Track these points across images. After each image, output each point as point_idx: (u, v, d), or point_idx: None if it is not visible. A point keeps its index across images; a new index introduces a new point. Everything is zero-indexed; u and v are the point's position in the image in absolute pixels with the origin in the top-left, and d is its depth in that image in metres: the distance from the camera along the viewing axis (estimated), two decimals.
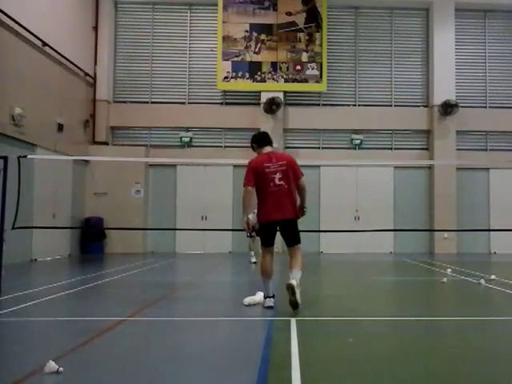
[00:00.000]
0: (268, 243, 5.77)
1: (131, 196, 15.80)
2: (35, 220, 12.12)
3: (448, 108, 16.38)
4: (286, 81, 16.60)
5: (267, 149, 5.90)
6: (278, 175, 5.63)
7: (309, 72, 16.62)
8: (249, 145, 6.23)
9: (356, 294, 7.44)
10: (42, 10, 12.84)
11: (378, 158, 16.67)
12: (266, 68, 16.55)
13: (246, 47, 16.57)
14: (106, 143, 16.42)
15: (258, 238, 12.09)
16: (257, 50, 16.59)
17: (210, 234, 15.83)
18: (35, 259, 12.35)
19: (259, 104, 16.46)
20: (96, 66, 16.36)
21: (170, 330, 4.81)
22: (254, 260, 12.10)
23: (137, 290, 7.82)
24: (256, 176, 5.67)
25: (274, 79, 16.54)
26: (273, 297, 5.73)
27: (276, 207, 5.61)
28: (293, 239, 5.78)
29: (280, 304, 5.95)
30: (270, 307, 5.63)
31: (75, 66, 14.75)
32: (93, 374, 3.37)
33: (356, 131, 17.07)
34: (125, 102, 17.01)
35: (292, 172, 5.71)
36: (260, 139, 6.00)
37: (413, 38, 17.42)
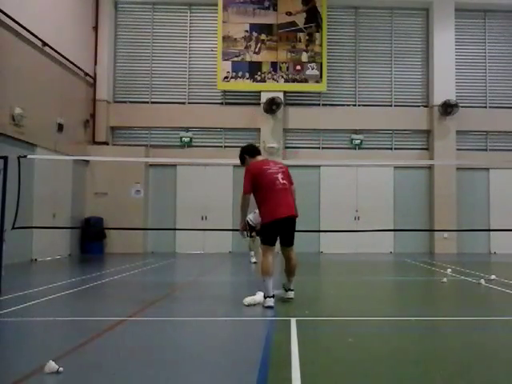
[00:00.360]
0: (272, 242, 5.85)
1: (131, 196, 15.80)
2: (35, 220, 12.12)
3: (448, 108, 16.38)
4: (286, 81, 16.60)
5: (259, 158, 6.14)
6: (280, 175, 5.90)
7: (309, 72, 16.63)
8: None
9: (356, 293, 7.44)
10: (42, 9, 12.84)
11: (378, 158, 16.67)
12: (266, 68, 16.56)
13: (246, 47, 16.57)
14: (106, 143, 16.42)
15: (257, 238, 12.11)
16: (257, 49, 16.59)
17: (210, 234, 15.84)
18: (35, 259, 12.35)
19: (259, 104, 16.46)
20: (96, 66, 16.36)
21: (170, 330, 4.81)
22: (254, 260, 12.10)
23: (137, 290, 7.82)
24: (256, 180, 5.81)
25: (274, 79, 16.54)
26: (273, 296, 5.73)
27: (283, 204, 5.81)
28: (292, 239, 6.00)
29: (280, 304, 5.95)
30: (270, 307, 5.63)
31: (75, 66, 14.75)
32: (93, 374, 3.38)
33: (356, 131, 17.07)
34: (125, 102, 17.01)
35: (287, 176, 6.04)
36: (252, 150, 6.20)
37: (413, 38, 17.42)
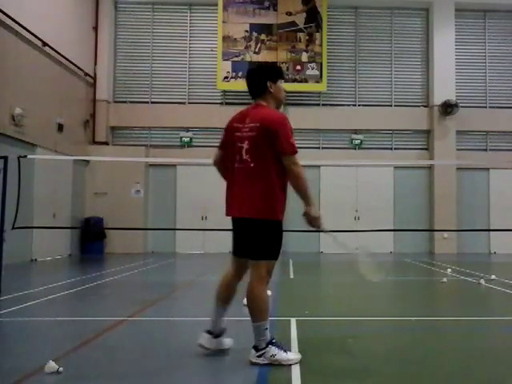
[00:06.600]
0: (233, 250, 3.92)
1: (131, 196, 15.80)
2: (35, 220, 12.11)
3: (448, 108, 16.37)
4: (286, 81, 16.57)
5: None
6: (245, 144, 3.63)
7: (309, 72, 16.62)
8: None
9: (356, 293, 7.44)
10: (41, 10, 12.83)
11: (378, 158, 16.68)
12: None
13: (246, 47, 16.57)
14: (106, 143, 16.42)
15: None
16: (257, 50, 16.59)
17: (210, 233, 15.82)
18: (35, 259, 12.35)
19: None
20: (96, 66, 16.35)
21: (170, 330, 4.81)
22: None
23: (137, 290, 7.82)
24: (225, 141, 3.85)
25: None
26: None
27: (231, 196, 3.82)
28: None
29: (280, 304, 5.95)
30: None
31: (75, 65, 14.75)
32: (93, 374, 3.38)
33: (356, 131, 17.06)
34: (125, 102, 17.01)
35: (265, 142, 3.53)
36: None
37: (413, 38, 17.41)
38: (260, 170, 3.52)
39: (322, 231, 3.74)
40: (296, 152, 3.53)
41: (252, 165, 3.54)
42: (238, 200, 3.65)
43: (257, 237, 3.55)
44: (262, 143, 3.51)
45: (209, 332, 3.73)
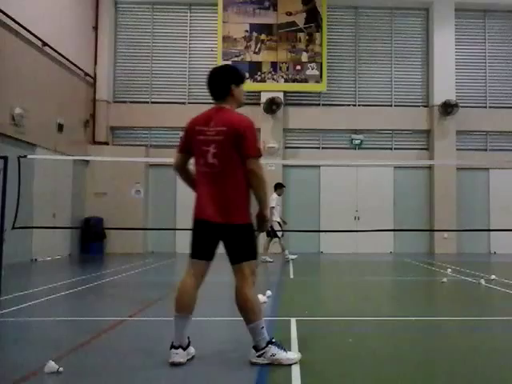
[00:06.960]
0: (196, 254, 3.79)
1: (131, 196, 15.79)
2: (35, 220, 12.11)
3: (448, 108, 16.37)
4: (286, 81, 16.60)
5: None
6: (212, 148, 3.56)
7: (309, 72, 16.62)
8: None
9: (356, 294, 7.44)
10: (42, 9, 12.83)
11: (377, 158, 16.67)
12: (265, 68, 16.55)
13: (246, 47, 16.57)
14: (106, 143, 16.42)
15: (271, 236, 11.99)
16: (257, 50, 16.58)
17: None
18: (35, 259, 12.35)
19: (259, 104, 16.45)
20: (96, 65, 16.35)
21: (170, 330, 4.80)
22: (292, 257, 12.22)
23: (137, 289, 7.82)
24: (187, 143, 3.72)
25: (273, 79, 16.54)
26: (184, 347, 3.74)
27: (200, 199, 3.67)
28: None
29: (280, 304, 5.95)
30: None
31: (75, 65, 14.75)
32: (93, 375, 3.38)
33: (356, 131, 17.06)
34: (125, 102, 17.01)
35: (232, 145, 3.53)
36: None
37: (413, 38, 17.42)
38: (229, 175, 3.54)
39: (260, 231, 3.90)
40: (261, 155, 3.62)
41: (220, 169, 3.54)
42: (208, 204, 3.57)
43: (235, 241, 3.61)
44: (230, 147, 3.51)
45: (179, 347, 3.62)
